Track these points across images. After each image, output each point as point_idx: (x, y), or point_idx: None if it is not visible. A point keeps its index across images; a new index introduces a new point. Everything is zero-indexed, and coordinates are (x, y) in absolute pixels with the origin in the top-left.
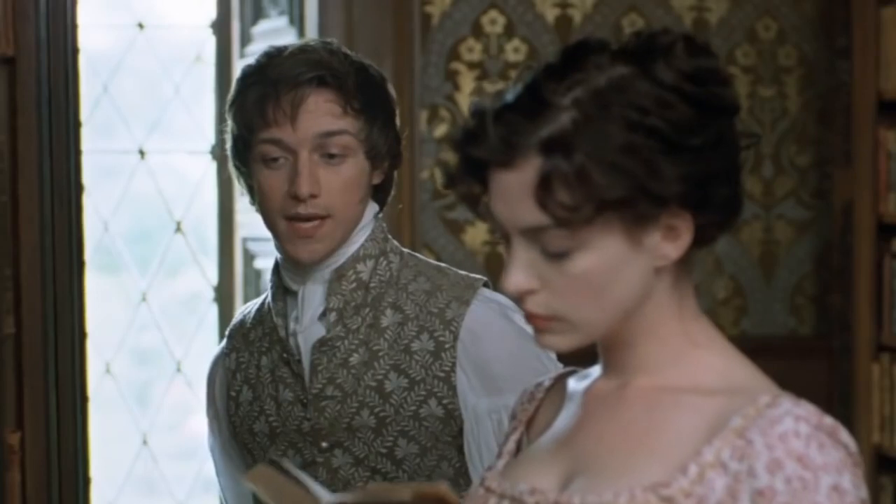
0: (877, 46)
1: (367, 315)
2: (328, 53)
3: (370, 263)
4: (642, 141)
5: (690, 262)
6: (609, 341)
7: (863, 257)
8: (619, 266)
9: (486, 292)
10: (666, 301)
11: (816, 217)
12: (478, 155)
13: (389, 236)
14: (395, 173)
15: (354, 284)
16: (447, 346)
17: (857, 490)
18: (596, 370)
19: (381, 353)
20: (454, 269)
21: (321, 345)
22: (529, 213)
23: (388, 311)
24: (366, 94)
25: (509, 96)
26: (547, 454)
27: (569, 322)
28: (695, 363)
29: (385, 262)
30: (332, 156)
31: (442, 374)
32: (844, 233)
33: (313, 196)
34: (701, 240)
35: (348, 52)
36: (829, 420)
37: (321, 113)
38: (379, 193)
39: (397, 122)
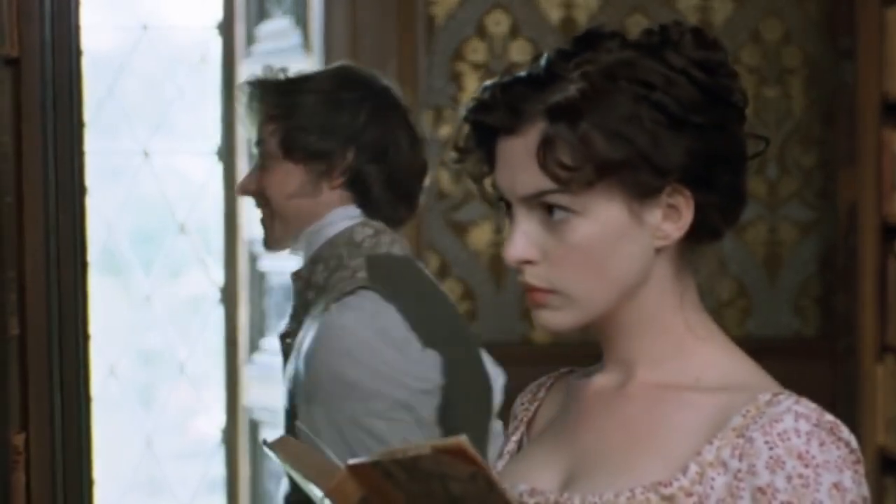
0: (881, 47)
1: (308, 314)
2: (274, 73)
3: (320, 266)
4: (647, 113)
5: (693, 255)
6: (610, 330)
7: (867, 258)
8: (619, 238)
9: (354, 299)
10: (668, 289)
11: (821, 218)
12: (486, 121)
13: (367, 239)
14: (378, 169)
15: (301, 285)
16: (312, 349)
17: (858, 487)
18: (597, 369)
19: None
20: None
21: (283, 336)
22: (532, 178)
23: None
24: (285, 101)
25: (520, 72)
26: (547, 453)
27: (567, 296)
28: (696, 357)
29: (332, 266)
30: (262, 161)
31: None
32: (849, 234)
33: (253, 197)
34: (703, 227)
35: (303, 71)
36: (829, 417)
37: (250, 122)
38: (356, 194)
39: (341, 121)
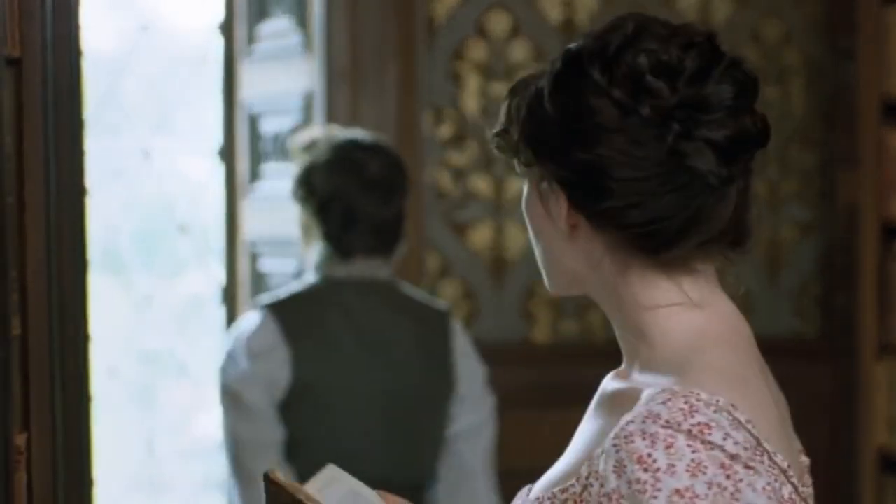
0: (882, 48)
1: None
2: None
3: None
4: (537, 111)
5: (633, 256)
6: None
7: (867, 259)
8: (535, 208)
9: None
10: (605, 281)
11: (821, 218)
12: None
13: (317, 276)
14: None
15: None
16: None
17: (721, 490)
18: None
19: None
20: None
21: None
22: None
23: None
24: None
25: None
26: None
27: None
28: (650, 352)
29: None
30: None
31: None
32: (849, 234)
33: None
34: (602, 230)
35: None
36: (697, 419)
37: None
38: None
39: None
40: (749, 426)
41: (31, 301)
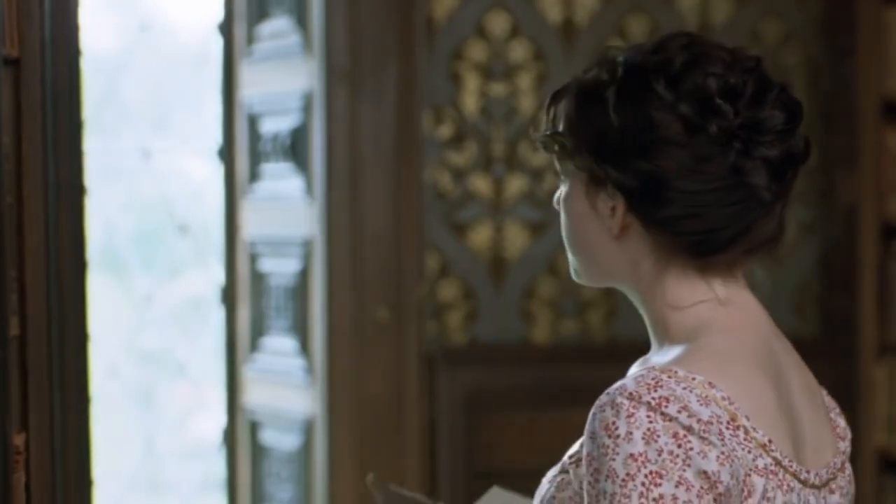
0: (881, 47)
1: None
2: None
3: None
4: (601, 120)
5: (668, 259)
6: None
7: (867, 258)
8: (581, 211)
9: None
10: (644, 281)
11: (821, 218)
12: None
13: None
14: None
15: None
16: None
17: (672, 457)
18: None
19: None
20: None
21: None
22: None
23: None
24: None
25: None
26: None
27: (570, 251)
28: (666, 346)
29: None
30: None
31: None
32: (849, 234)
33: None
34: (659, 232)
35: None
36: (660, 393)
37: None
38: None
39: None
40: (725, 402)
41: (30, 301)
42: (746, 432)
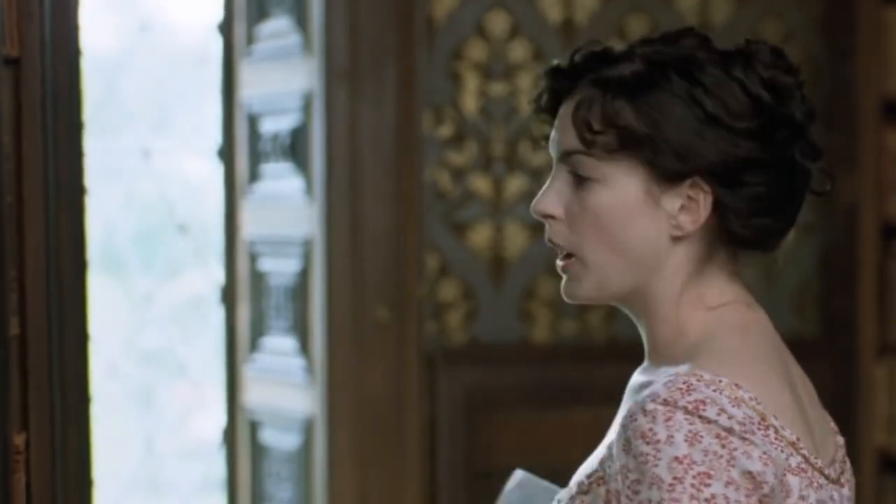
0: (881, 47)
1: None
2: None
3: None
4: (684, 107)
5: (714, 253)
6: (633, 315)
7: (867, 259)
8: (632, 214)
9: None
10: (675, 279)
11: (821, 218)
12: (551, 83)
13: None
14: None
15: None
16: None
17: (717, 458)
18: None
19: None
20: None
21: None
22: (567, 137)
23: None
24: None
25: (603, 47)
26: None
27: (583, 263)
28: (680, 347)
29: None
30: None
31: None
32: (849, 234)
33: None
34: (725, 230)
35: None
36: (695, 396)
37: None
38: None
39: None
40: (753, 402)
41: (31, 301)
42: (776, 431)
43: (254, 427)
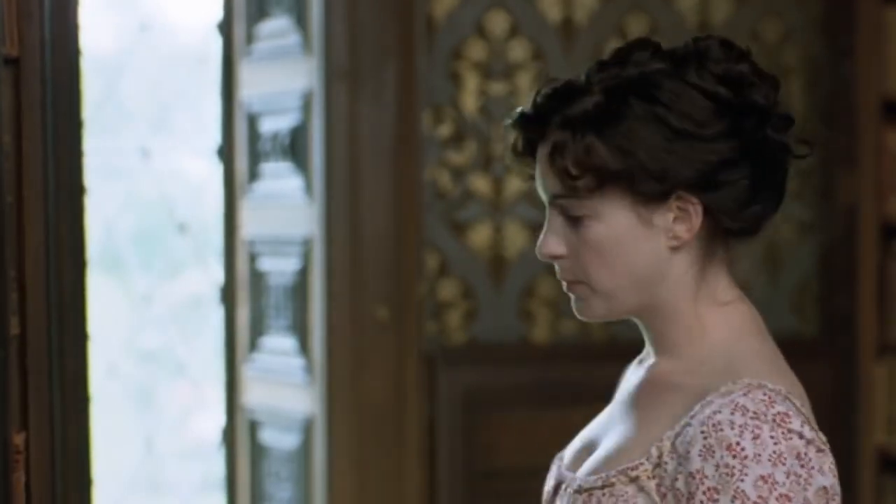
0: (881, 47)
1: None
2: None
3: None
4: (652, 128)
5: (714, 251)
6: (642, 321)
7: (867, 258)
8: (629, 240)
9: None
10: (685, 283)
11: (820, 218)
12: (521, 130)
13: None
14: None
15: None
16: None
17: (797, 479)
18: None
19: None
20: None
21: None
22: (551, 182)
23: None
24: None
25: (558, 83)
26: (589, 439)
27: (593, 288)
28: (704, 345)
29: None
30: None
31: None
32: (848, 234)
33: None
34: (720, 226)
35: None
36: (777, 409)
37: None
38: None
39: None
40: (804, 410)
41: (30, 300)
42: (819, 436)
43: (253, 427)
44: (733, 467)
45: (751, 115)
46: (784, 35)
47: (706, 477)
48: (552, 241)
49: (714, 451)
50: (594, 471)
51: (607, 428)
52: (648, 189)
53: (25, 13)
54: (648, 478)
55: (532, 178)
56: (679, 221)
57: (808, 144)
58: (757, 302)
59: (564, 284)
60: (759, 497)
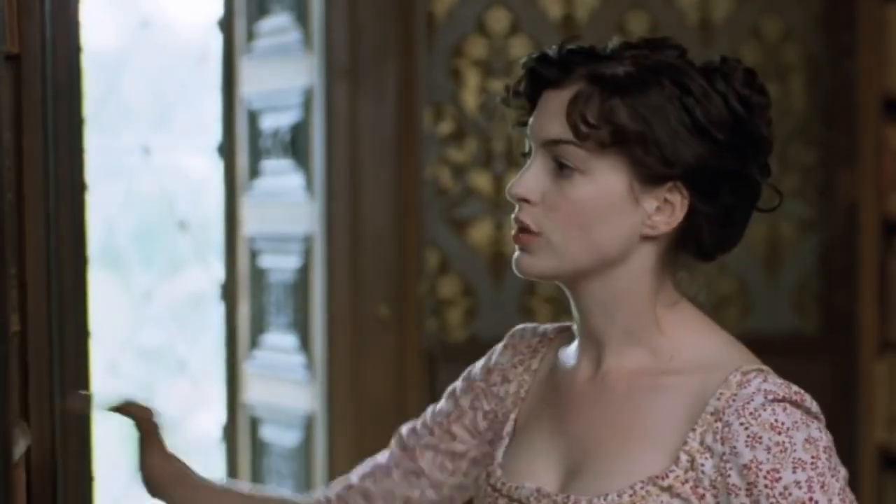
0: (882, 45)
1: None
2: None
3: None
4: (674, 112)
5: (675, 258)
6: (584, 302)
7: (867, 256)
8: (611, 209)
9: None
10: (644, 278)
11: (821, 215)
12: (541, 71)
13: None
14: None
15: None
16: None
17: (825, 435)
18: (572, 340)
19: None
20: None
21: None
22: (557, 126)
23: None
24: None
25: (588, 45)
26: (544, 447)
27: (548, 242)
28: (667, 341)
29: None
30: None
31: None
32: (849, 231)
33: None
34: (690, 235)
35: None
36: (794, 388)
37: None
38: None
39: None
40: None
41: (31, 297)
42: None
43: (254, 424)
44: (783, 443)
45: (753, 143)
46: (784, 33)
47: (762, 462)
48: (529, 183)
49: (761, 437)
50: (610, 489)
51: (580, 439)
52: (653, 165)
53: (26, 10)
54: (682, 483)
55: (521, 123)
56: (660, 213)
57: (780, 196)
58: (757, 299)
59: (515, 229)
60: (812, 457)
